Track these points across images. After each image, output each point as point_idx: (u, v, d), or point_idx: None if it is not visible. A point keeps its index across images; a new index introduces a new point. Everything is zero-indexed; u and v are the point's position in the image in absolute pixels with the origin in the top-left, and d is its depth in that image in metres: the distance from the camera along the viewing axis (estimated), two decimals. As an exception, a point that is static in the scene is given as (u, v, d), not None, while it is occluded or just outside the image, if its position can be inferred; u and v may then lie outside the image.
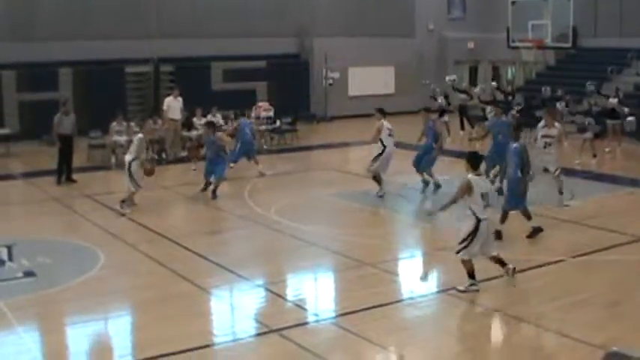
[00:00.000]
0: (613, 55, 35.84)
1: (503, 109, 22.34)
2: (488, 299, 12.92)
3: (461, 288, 13.06)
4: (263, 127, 30.03)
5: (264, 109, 31.28)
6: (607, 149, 27.97)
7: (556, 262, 14.93)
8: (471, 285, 13.09)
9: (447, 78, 35.13)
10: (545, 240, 17.00)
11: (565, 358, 10.55)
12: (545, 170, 19.31)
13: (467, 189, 12.75)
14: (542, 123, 19.75)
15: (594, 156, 26.05)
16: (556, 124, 19.62)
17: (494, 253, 13.30)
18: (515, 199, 16.31)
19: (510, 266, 13.33)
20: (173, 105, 28.11)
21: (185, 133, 28.63)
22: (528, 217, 16.48)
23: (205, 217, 19.50)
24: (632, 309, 12.18)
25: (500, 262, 13.33)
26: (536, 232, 16.49)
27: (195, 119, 28.94)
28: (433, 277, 14.82)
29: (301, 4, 37.44)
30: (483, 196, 12.79)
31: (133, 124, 27.71)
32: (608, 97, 29.36)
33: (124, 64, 32.62)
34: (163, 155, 27.68)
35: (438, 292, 13.63)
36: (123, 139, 27.13)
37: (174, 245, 16.22)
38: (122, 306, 12.95)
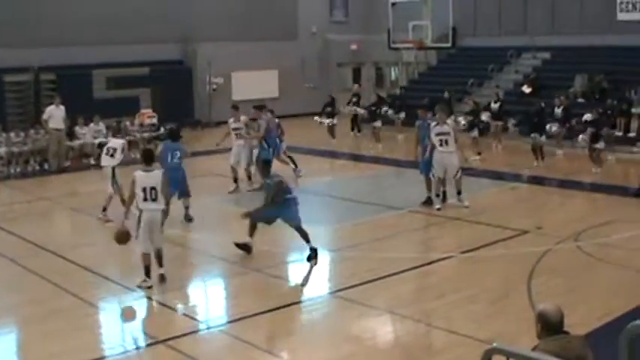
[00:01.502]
0: (493, 53, 36.50)
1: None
2: (378, 299, 12.92)
3: (137, 284, 13.57)
4: (147, 135, 29.71)
5: (147, 116, 30.93)
6: (496, 146, 28.59)
7: (444, 259, 15.08)
8: (144, 281, 13.53)
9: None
10: (433, 237, 17.27)
11: (453, 354, 10.62)
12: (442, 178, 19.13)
13: (132, 183, 13.66)
14: (434, 122, 19.26)
15: (479, 153, 26.48)
16: (448, 120, 19.47)
17: (158, 247, 13.74)
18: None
19: (159, 273, 13.77)
20: (55, 114, 27.34)
21: (68, 143, 28.04)
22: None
23: (88, 228, 18.91)
24: (517, 303, 12.35)
25: (159, 260, 13.78)
26: (245, 247, 15.37)
27: (77, 128, 28.44)
28: (321, 280, 14.75)
29: (183, 11, 37.03)
30: (144, 190, 13.46)
31: (12, 134, 27.12)
32: (489, 102, 29.89)
33: (2, 73, 31.68)
34: (45, 166, 27.08)
35: (327, 294, 13.58)
36: (2, 150, 26.48)
37: (56, 258, 15.76)
38: (3, 323, 12.46)
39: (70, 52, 32.63)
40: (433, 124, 19.16)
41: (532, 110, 26.52)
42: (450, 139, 18.83)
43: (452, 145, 18.89)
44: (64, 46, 32.59)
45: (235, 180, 21.77)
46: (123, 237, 14.01)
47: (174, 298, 13.55)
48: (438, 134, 18.87)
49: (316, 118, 31.79)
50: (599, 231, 16.84)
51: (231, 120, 22.55)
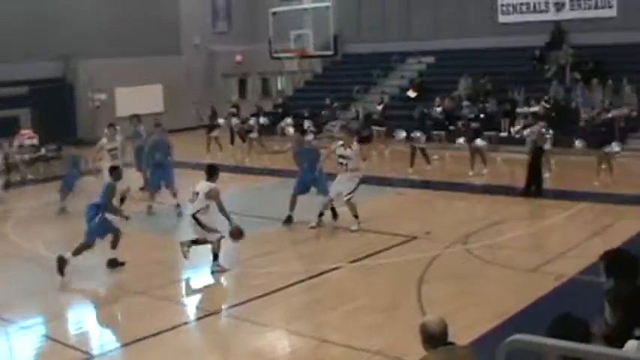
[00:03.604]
0: (378, 59, 36.73)
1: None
2: (267, 315, 12.64)
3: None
4: (27, 156, 28.85)
5: (28, 136, 30.08)
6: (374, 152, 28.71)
7: (333, 269, 14.88)
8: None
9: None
10: (322, 248, 17.04)
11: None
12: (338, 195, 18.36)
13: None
14: (339, 142, 18.61)
15: (364, 159, 26.41)
16: (353, 145, 18.44)
17: None
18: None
19: None
20: None
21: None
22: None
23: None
24: (408, 311, 12.21)
25: None
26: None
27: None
28: (208, 298, 14.39)
29: (63, 27, 36.22)
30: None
31: None
32: (377, 103, 29.97)
33: None
34: None
35: (215, 313, 13.19)
36: None
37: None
38: None
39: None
40: (339, 143, 18.52)
41: (415, 114, 26.67)
42: (350, 163, 18.10)
43: (350, 168, 18.13)
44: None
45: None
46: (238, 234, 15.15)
47: (60, 327, 13.03)
48: (339, 156, 18.26)
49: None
50: (488, 232, 16.98)
51: (104, 140, 22.04)
